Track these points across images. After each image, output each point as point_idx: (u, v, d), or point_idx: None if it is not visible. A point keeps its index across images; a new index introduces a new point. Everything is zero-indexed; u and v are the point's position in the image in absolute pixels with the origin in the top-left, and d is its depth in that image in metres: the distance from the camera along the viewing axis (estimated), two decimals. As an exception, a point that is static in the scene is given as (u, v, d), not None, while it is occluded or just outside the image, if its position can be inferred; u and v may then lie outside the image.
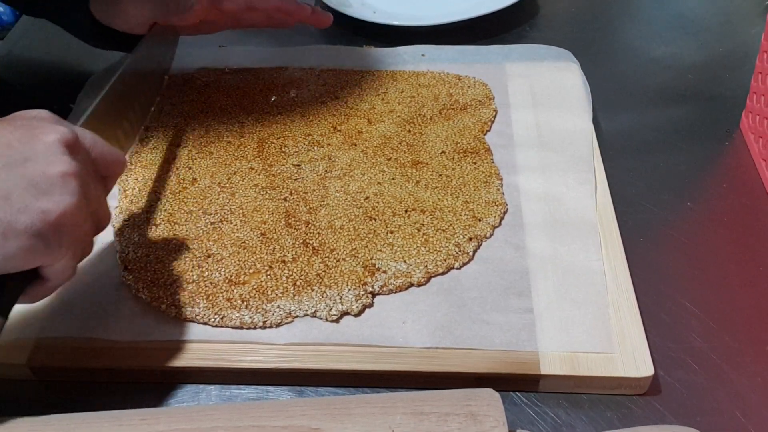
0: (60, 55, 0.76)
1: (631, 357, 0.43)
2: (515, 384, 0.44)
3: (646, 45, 0.73)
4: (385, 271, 0.49)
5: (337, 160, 0.58)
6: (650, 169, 0.59)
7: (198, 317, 0.46)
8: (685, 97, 0.66)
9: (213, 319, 0.46)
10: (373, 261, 0.49)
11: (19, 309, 0.48)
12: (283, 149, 0.59)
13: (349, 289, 0.47)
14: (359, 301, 0.47)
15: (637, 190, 0.57)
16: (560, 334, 0.45)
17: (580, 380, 0.43)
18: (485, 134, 0.60)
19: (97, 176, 0.43)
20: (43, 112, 0.42)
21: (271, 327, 0.46)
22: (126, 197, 0.55)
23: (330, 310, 0.46)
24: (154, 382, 0.46)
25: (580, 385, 0.44)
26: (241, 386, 0.45)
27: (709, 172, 0.59)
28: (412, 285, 0.48)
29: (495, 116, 0.62)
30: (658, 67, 0.70)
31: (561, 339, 0.45)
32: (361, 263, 0.49)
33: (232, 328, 0.46)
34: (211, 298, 0.47)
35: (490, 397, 0.38)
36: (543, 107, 0.63)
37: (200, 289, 0.48)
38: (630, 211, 0.55)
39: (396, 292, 0.48)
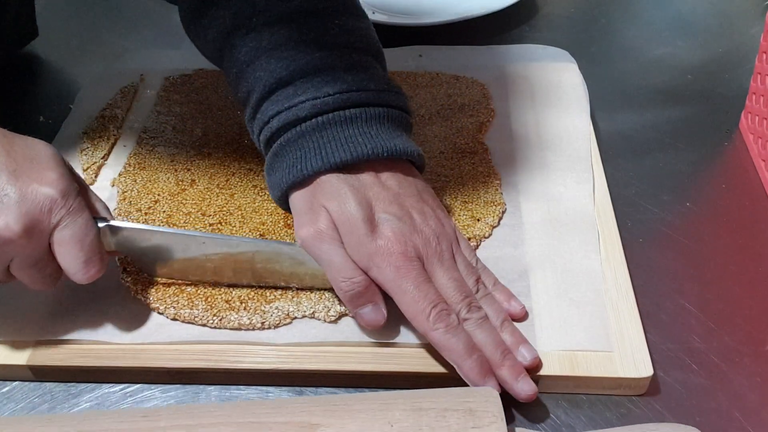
0: (60, 56, 0.76)
1: (630, 357, 0.43)
2: (515, 384, 0.44)
3: (646, 45, 0.73)
4: None
5: (336, 160, 0.58)
6: (649, 170, 0.59)
7: (196, 319, 0.46)
8: (685, 98, 0.66)
9: (211, 321, 0.46)
10: None
11: (19, 311, 0.48)
12: (283, 150, 0.59)
13: None
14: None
15: (636, 191, 0.57)
16: (559, 332, 0.45)
17: (580, 381, 0.43)
18: (483, 134, 0.60)
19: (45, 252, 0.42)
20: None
21: (269, 328, 0.46)
22: (124, 199, 0.55)
23: (328, 311, 0.46)
24: (154, 383, 0.46)
25: (580, 386, 0.44)
26: (241, 387, 0.45)
27: (709, 172, 0.59)
28: None
29: (493, 116, 0.62)
30: (657, 67, 0.70)
31: (559, 338, 0.45)
32: None
33: (231, 329, 0.46)
34: (209, 299, 0.47)
35: (488, 394, 0.38)
36: (541, 107, 0.63)
37: (199, 291, 0.48)
38: (629, 212, 0.55)
39: None
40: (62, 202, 0.41)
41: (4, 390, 0.46)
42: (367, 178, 0.46)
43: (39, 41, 0.77)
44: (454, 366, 0.42)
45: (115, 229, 0.45)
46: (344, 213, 0.44)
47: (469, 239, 0.51)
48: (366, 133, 0.46)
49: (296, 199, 0.46)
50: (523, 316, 0.46)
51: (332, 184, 0.45)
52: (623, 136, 0.62)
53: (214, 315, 0.46)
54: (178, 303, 0.47)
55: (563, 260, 0.49)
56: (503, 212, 0.53)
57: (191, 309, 0.47)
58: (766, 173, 0.56)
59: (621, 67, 0.71)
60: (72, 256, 0.42)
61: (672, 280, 0.50)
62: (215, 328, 0.46)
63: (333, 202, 0.44)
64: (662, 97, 0.66)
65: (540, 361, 0.43)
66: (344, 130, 0.46)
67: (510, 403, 0.43)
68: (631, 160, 0.60)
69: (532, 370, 0.43)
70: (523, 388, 0.41)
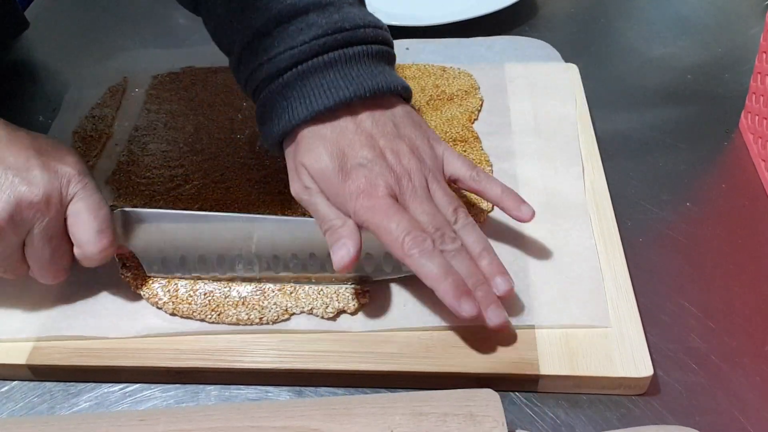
0: (60, 56, 0.76)
1: (630, 357, 0.43)
2: (514, 384, 0.44)
3: (645, 45, 0.73)
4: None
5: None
6: (649, 170, 0.59)
7: (195, 314, 0.47)
8: (685, 98, 0.66)
9: (210, 316, 0.46)
10: (371, 250, 0.49)
11: (18, 309, 0.48)
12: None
13: (347, 287, 0.47)
14: (356, 300, 0.47)
15: (636, 191, 0.57)
16: (556, 309, 0.46)
17: (580, 380, 0.43)
18: (473, 123, 0.61)
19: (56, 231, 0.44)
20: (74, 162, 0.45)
21: (267, 324, 0.46)
22: (119, 197, 0.55)
23: (326, 307, 0.46)
24: (153, 383, 0.46)
25: (580, 385, 0.44)
26: (241, 386, 0.45)
27: (709, 172, 0.59)
28: (411, 271, 0.48)
29: (481, 105, 0.63)
30: (657, 67, 0.70)
31: (557, 314, 0.45)
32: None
33: (229, 324, 0.46)
34: (207, 295, 0.48)
35: (489, 397, 0.38)
36: (528, 95, 0.64)
37: (197, 286, 0.48)
38: (629, 211, 0.55)
39: (394, 279, 0.48)
40: (78, 178, 0.44)
41: (4, 389, 0.46)
42: (343, 123, 0.46)
43: (38, 41, 0.77)
44: (432, 289, 0.42)
45: (126, 216, 0.47)
46: (319, 168, 0.45)
47: None
48: (347, 76, 0.46)
49: (287, 156, 0.48)
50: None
51: (308, 140, 0.46)
52: (623, 136, 0.62)
53: (213, 310, 0.47)
54: (177, 298, 0.47)
55: (558, 240, 0.50)
56: None
57: (190, 304, 0.47)
58: (766, 173, 0.56)
59: (621, 67, 0.70)
60: (85, 226, 0.44)
61: (672, 280, 0.50)
62: (213, 323, 0.46)
63: (308, 158, 0.45)
64: (662, 97, 0.66)
65: (514, 291, 0.44)
66: (325, 75, 0.46)
67: (510, 403, 0.43)
68: (630, 159, 0.60)
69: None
70: (491, 317, 0.42)
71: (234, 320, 0.46)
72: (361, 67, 0.47)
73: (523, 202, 0.47)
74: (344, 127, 0.46)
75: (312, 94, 0.46)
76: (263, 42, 0.47)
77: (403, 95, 0.49)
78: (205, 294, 0.48)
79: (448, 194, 0.47)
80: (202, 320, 0.47)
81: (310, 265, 0.48)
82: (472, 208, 0.53)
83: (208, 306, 0.47)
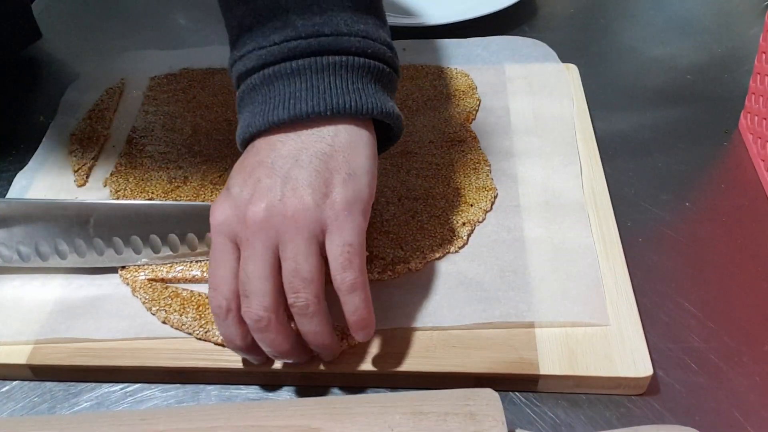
0: (60, 56, 0.76)
1: (629, 357, 0.43)
2: (514, 384, 0.44)
3: (645, 45, 0.73)
4: (383, 258, 0.49)
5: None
6: (649, 170, 0.59)
7: (184, 327, 0.46)
8: (684, 98, 0.66)
9: (197, 332, 0.46)
10: (370, 249, 0.49)
11: (18, 310, 0.48)
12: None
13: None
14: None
15: (636, 191, 0.57)
16: (555, 305, 0.46)
17: (579, 380, 0.43)
18: (470, 123, 0.61)
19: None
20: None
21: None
22: (118, 199, 0.55)
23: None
24: (153, 383, 0.46)
25: (579, 385, 0.44)
26: (241, 386, 0.45)
27: (708, 172, 0.59)
28: (410, 270, 0.49)
29: (479, 105, 0.63)
30: (656, 67, 0.70)
31: (557, 309, 0.46)
32: None
33: (215, 344, 0.45)
34: (200, 309, 0.47)
35: (489, 396, 0.38)
36: (525, 95, 0.64)
37: (193, 298, 0.48)
38: (629, 212, 0.55)
39: (394, 278, 0.48)
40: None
41: (4, 389, 0.46)
42: (273, 144, 0.41)
43: (38, 41, 0.77)
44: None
45: None
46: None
47: (464, 224, 0.52)
48: (314, 87, 0.41)
49: None
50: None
51: (244, 156, 0.43)
52: (623, 136, 0.62)
53: (201, 326, 0.46)
54: (171, 307, 0.47)
55: (556, 238, 0.51)
56: (495, 197, 0.54)
57: (181, 315, 0.47)
58: (766, 173, 0.56)
59: (620, 68, 0.71)
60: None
61: (671, 280, 0.50)
62: (201, 339, 0.46)
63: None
64: (662, 97, 0.66)
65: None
66: (290, 84, 0.41)
67: (510, 402, 0.43)
68: (630, 160, 0.60)
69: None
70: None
71: (220, 341, 0.45)
72: (336, 80, 0.41)
73: (365, 329, 0.41)
74: (260, 148, 0.42)
75: (272, 102, 0.41)
76: (242, 38, 0.44)
77: (390, 123, 0.44)
78: (197, 307, 0.47)
79: (298, 270, 0.39)
80: (190, 334, 0.46)
81: (153, 246, 0.49)
82: (471, 208, 0.53)
83: (197, 321, 0.46)
